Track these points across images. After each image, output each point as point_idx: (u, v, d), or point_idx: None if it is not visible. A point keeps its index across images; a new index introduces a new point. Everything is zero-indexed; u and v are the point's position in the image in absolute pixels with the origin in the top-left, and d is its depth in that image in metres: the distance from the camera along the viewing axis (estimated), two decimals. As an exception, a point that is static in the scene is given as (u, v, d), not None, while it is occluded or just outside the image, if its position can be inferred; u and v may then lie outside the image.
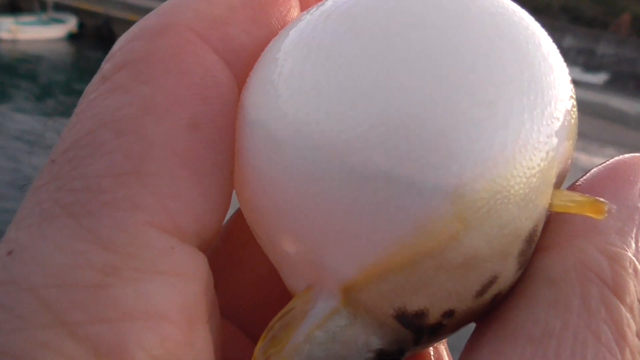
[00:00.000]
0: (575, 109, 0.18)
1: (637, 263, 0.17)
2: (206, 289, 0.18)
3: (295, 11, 0.21)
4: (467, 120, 0.16)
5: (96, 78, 0.19)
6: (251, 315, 0.24)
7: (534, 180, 0.16)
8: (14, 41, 12.06)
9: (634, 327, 0.16)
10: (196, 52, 0.19)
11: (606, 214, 0.17)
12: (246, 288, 0.24)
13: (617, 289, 0.17)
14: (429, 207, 0.16)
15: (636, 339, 0.16)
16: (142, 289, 0.16)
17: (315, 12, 0.18)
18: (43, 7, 14.19)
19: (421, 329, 0.18)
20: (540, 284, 0.17)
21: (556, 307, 0.17)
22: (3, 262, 0.16)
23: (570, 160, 0.19)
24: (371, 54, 0.16)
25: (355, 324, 0.18)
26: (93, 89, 0.19)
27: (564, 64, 0.18)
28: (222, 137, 0.19)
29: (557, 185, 0.18)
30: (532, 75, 0.17)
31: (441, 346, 0.24)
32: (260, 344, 0.18)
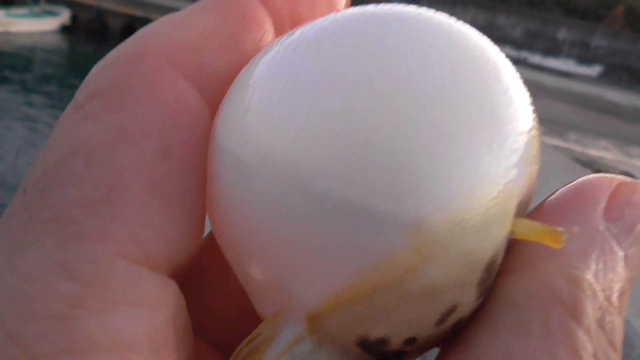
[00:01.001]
0: (537, 139, 0.18)
1: (595, 285, 0.17)
2: (174, 316, 0.18)
3: (269, 36, 0.21)
4: (426, 154, 0.16)
5: (70, 107, 0.19)
6: (227, 335, 0.24)
7: (492, 212, 0.16)
8: (5, 34, 11.99)
9: (590, 349, 0.17)
10: (168, 80, 0.19)
11: (563, 243, 0.17)
12: (222, 309, 0.25)
13: (575, 312, 0.17)
14: (387, 240, 0.16)
15: (592, 357, 0.17)
16: (108, 320, 0.16)
17: (284, 42, 0.19)
18: (35, 0, 14.11)
19: (384, 355, 0.18)
20: (502, 308, 0.17)
21: (517, 330, 0.17)
22: None
23: (533, 189, 0.19)
24: (335, 87, 0.17)
25: (320, 351, 0.18)
26: (66, 118, 0.19)
27: (526, 95, 0.18)
28: (194, 164, 0.19)
29: (520, 213, 0.18)
30: (492, 109, 0.17)
31: None
32: None
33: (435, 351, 0.20)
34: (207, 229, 0.21)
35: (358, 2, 0.19)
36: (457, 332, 0.18)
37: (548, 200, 0.19)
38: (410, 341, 0.18)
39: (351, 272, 0.16)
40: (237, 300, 0.23)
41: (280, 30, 0.21)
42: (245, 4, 0.21)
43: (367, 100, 0.16)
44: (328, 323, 0.17)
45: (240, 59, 0.20)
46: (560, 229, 0.17)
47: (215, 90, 0.20)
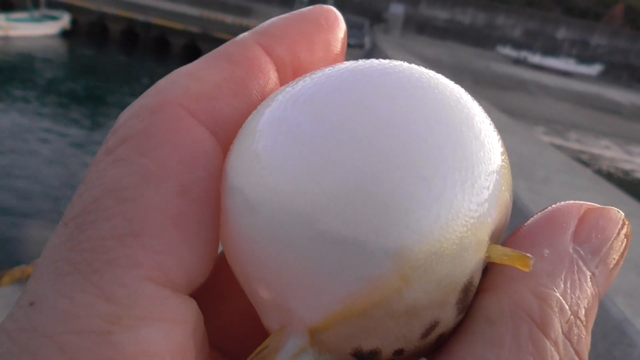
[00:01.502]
0: (508, 173, 0.21)
1: (563, 302, 0.19)
2: (195, 331, 0.21)
3: (273, 82, 0.24)
4: (407, 194, 0.18)
5: (102, 150, 0.22)
6: (237, 344, 0.27)
7: (467, 241, 0.19)
8: (5, 38, 12.01)
9: (556, 357, 0.19)
10: (185, 126, 0.22)
11: (531, 267, 0.19)
12: (233, 320, 0.27)
13: (543, 326, 0.19)
14: (375, 266, 0.18)
15: None
16: (139, 335, 0.19)
17: (286, 95, 0.21)
18: (36, 4, 14.14)
19: None
20: (479, 322, 0.20)
21: (491, 343, 0.19)
22: (26, 312, 0.19)
23: (507, 217, 0.21)
24: (328, 137, 0.19)
25: None
26: (99, 160, 0.22)
27: (496, 135, 0.21)
28: (208, 200, 0.21)
29: (495, 238, 0.21)
30: (464, 154, 0.19)
31: None
32: None
33: None
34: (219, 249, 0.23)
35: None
36: (441, 344, 0.20)
37: (525, 225, 0.22)
38: (399, 352, 0.20)
39: (345, 293, 0.19)
40: (246, 314, 0.26)
41: (283, 74, 0.24)
42: (251, 54, 0.23)
43: (356, 148, 0.19)
44: (326, 337, 0.20)
45: (248, 104, 0.23)
46: (528, 255, 0.19)
47: (226, 133, 0.22)
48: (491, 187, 0.20)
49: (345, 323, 0.19)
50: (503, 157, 0.21)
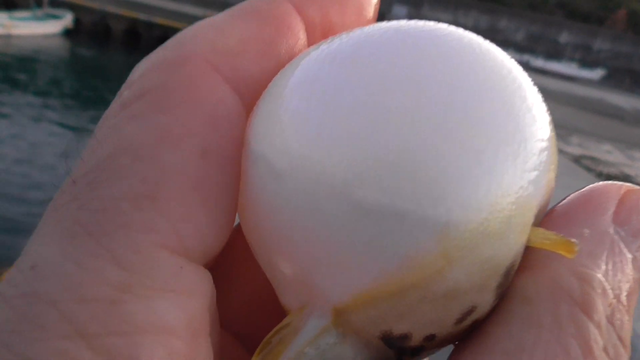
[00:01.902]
0: (556, 155, 0.20)
1: (605, 283, 0.18)
2: (209, 305, 0.19)
3: (302, 42, 0.22)
4: (456, 166, 0.17)
5: (116, 103, 0.20)
6: (248, 326, 0.25)
7: (514, 221, 0.18)
8: (7, 37, 12.01)
9: (600, 342, 0.18)
10: (209, 83, 0.20)
11: (575, 254, 0.18)
12: (244, 300, 0.26)
13: (585, 307, 0.18)
14: (416, 243, 0.17)
15: (602, 353, 0.17)
16: (153, 306, 0.17)
17: (322, 52, 0.20)
18: (39, 3, 14.14)
19: (404, 350, 0.19)
20: (516, 302, 0.18)
21: (529, 323, 0.18)
22: (26, 276, 0.18)
23: (549, 199, 0.20)
24: (371, 100, 0.18)
25: (344, 343, 0.19)
26: (113, 114, 0.20)
27: (545, 110, 0.20)
28: (231, 163, 0.20)
29: (536, 221, 0.19)
30: (517, 126, 0.18)
31: None
32: (255, 358, 0.19)
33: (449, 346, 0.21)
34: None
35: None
36: (473, 329, 0.19)
37: (559, 205, 0.20)
38: (430, 338, 0.19)
39: (379, 272, 0.17)
40: (259, 295, 0.25)
41: (312, 36, 0.22)
42: (281, 12, 0.22)
43: (402, 114, 0.17)
44: (354, 318, 0.18)
45: (275, 64, 0.21)
46: (573, 240, 0.18)
47: (251, 94, 0.21)
48: (542, 164, 0.19)
49: (376, 304, 0.18)
50: (552, 131, 0.20)
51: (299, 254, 0.18)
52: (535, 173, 0.18)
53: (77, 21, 14.53)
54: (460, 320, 0.19)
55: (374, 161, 0.17)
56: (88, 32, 14.89)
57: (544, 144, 0.19)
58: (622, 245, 0.19)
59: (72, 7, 14.73)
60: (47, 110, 8.00)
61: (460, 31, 0.20)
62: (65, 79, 10.61)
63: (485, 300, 0.18)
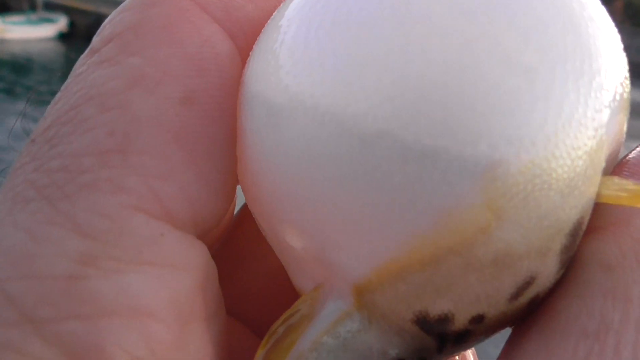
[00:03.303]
0: (628, 81, 0.16)
1: None
2: (203, 282, 0.16)
3: None
4: (500, 90, 0.14)
5: (85, 52, 0.18)
6: (262, 314, 0.21)
7: (580, 163, 0.14)
8: (1, 41, 11.89)
9: None
10: (193, 21, 0.17)
11: None
12: (256, 286, 0.22)
13: None
14: (454, 194, 0.14)
15: None
16: (123, 282, 0.14)
17: None
18: (32, 7, 14.01)
19: (445, 335, 0.16)
20: (593, 270, 0.15)
21: (614, 296, 0.14)
22: None
23: (622, 142, 0.17)
24: (385, 12, 0.14)
25: (370, 330, 0.16)
26: (80, 64, 0.18)
27: (615, 29, 0.16)
28: (222, 114, 0.17)
29: (607, 170, 0.16)
30: (578, 39, 0.15)
31: (468, 351, 0.22)
32: (261, 351, 0.16)
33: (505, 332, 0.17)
34: (239, 203, 0.19)
35: None
36: (532, 310, 0.16)
37: (630, 155, 0.17)
38: (478, 319, 0.15)
39: (409, 234, 0.14)
40: (269, 278, 0.22)
41: None
42: None
43: (424, 26, 0.14)
44: (379, 297, 0.15)
45: (274, 4, 0.18)
46: None
47: (246, 36, 0.18)
48: (612, 90, 0.15)
49: (406, 277, 0.15)
50: (624, 57, 0.16)
51: (305, 219, 0.15)
52: (605, 100, 0.15)
53: (71, 24, 14.39)
54: (515, 296, 0.15)
55: (391, 90, 0.14)
56: (83, 35, 14.74)
57: (615, 63, 0.15)
58: None
59: (66, 10, 14.59)
60: (41, 116, 7.88)
61: None
62: (59, 83, 10.50)
63: (546, 269, 0.15)
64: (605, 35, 0.15)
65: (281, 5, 0.17)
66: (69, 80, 0.17)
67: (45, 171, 0.15)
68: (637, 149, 0.17)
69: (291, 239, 0.16)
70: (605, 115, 0.15)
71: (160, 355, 0.14)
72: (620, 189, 0.15)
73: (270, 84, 0.15)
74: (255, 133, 0.16)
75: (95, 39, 0.18)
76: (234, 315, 0.21)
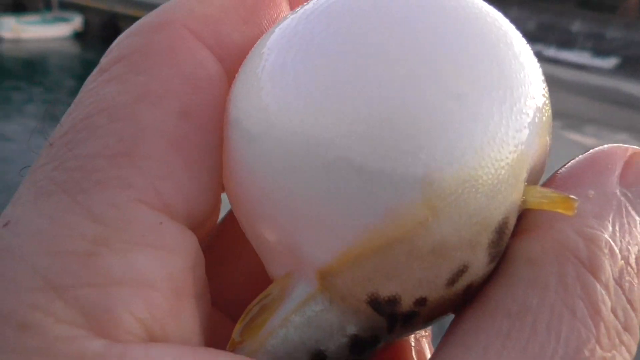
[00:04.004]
0: (548, 108, 0.19)
1: (613, 244, 0.18)
2: (193, 265, 0.19)
3: (284, 13, 0.22)
4: (437, 111, 0.16)
5: (95, 71, 0.20)
6: (243, 307, 0.24)
7: (503, 172, 0.17)
8: (16, 41, 12.02)
9: (609, 303, 0.17)
10: (189, 47, 0.20)
11: (576, 210, 0.17)
12: (238, 281, 0.26)
13: (592, 268, 0.17)
14: (398, 194, 0.16)
15: (611, 315, 0.17)
16: (130, 259, 0.17)
17: (299, 11, 0.19)
18: (48, 6, 14.14)
19: (394, 316, 0.18)
20: (519, 264, 0.18)
21: (534, 284, 0.17)
22: None
23: (545, 159, 0.19)
24: (346, 49, 0.17)
25: (331, 310, 0.18)
26: (91, 80, 0.20)
27: (537, 65, 0.19)
28: (213, 126, 0.20)
29: (532, 181, 0.18)
30: (502, 72, 0.17)
31: (424, 339, 0.25)
32: (238, 326, 0.19)
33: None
34: (224, 210, 0.22)
35: None
36: (469, 298, 0.18)
37: (560, 170, 0.20)
38: (421, 302, 0.18)
39: (362, 227, 0.17)
40: (252, 275, 0.24)
41: (295, 7, 0.22)
42: None
43: (377, 61, 0.17)
44: (339, 280, 0.18)
45: (257, 32, 0.21)
46: (572, 196, 0.17)
47: (233, 61, 0.21)
48: (531, 114, 0.18)
49: (360, 263, 0.17)
50: (545, 88, 0.19)
51: (278, 216, 0.18)
52: (525, 121, 0.17)
53: (86, 23, 14.51)
54: (451, 282, 0.18)
55: (349, 111, 0.16)
56: (97, 34, 14.87)
57: (534, 93, 0.18)
58: (629, 207, 0.19)
59: (81, 9, 14.71)
60: (56, 113, 7.96)
61: None
62: (74, 83, 10.58)
63: (477, 260, 0.18)
64: (526, 70, 0.18)
65: (263, 36, 0.20)
66: (81, 94, 0.20)
67: (64, 170, 0.18)
68: (567, 164, 0.20)
69: (266, 233, 0.19)
70: (524, 134, 0.17)
71: (158, 319, 0.17)
72: (543, 197, 0.18)
73: (246, 107, 0.18)
74: (236, 145, 0.19)
75: (104, 60, 0.20)
76: (217, 306, 0.23)
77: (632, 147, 0.20)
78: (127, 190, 0.18)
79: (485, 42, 0.17)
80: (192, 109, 0.19)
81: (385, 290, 0.18)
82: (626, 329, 0.17)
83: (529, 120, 0.17)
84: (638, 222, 0.19)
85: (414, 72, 0.16)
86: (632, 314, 0.17)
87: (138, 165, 0.18)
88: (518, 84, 0.17)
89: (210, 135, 0.20)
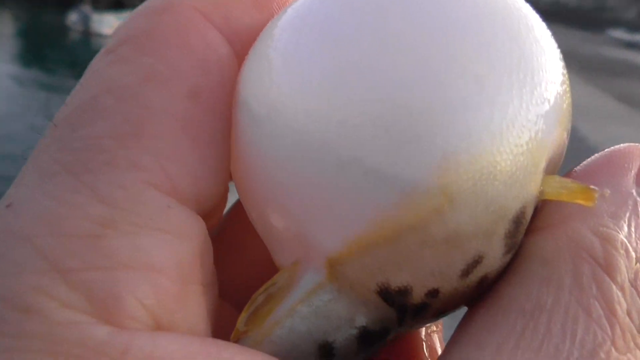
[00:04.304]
0: (569, 96, 0.18)
1: (628, 245, 0.17)
2: (202, 252, 0.18)
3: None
4: (454, 93, 0.16)
5: (101, 52, 0.20)
6: (249, 298, 0.24)
7: (522, 159, 0.16)
8: (116, 37, 12.63)
9: (624, 305, 0.17)
10: (198, 28, 0.20)
11: (596, 201, 0.17)
12: (244, 273, 0.25)
13: (608, 268, 0.17)
14: (413, 179, 0.16)
15: (627, 317, 0.17)
16: (137, 242, 0.17)
17: None
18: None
19: (405, 307, 0.18)
20: (533, 262, 0.18)
21: (549, 283, 0.17)
22: (1, 214, 0.17)
23: (563, 150, 0.19)
24: (362, 30, 0.17)
25: (340, 300, 0.18)
26: (97, 61, 0.20)
27: (558, 51, 0.18)
28: (222, 108, 0.19)
29: (549, 172, 0.18)
30: (523, 55, 0.17)
31: (435, 334, 0.25)
32: (243, 315, 0.19)
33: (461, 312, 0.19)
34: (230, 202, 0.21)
35: None
36: (483, 291, 0.18)
37: (577, 168, 0.20)
38: (433, 293, 0.17)
39: (373, 213, 0.16)
40: (258, 265, 0.24)
41: None
42: None
43: (392, 41, 0.16)
44: (348, 269, 0.17)
45: (268, 16, 0.21)
46: (592, 187, 0.17)
47: (243, 44, 0.20)
48: (552, 100, 0.17)
49: (371, 251, 0.17)
50: (565, 75, 0.18)
51: (287, 203, 0.17)
52: (545, 107, 0.17)
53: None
54: (465, 273, 0.17)
55: (363, 92, 0.16)
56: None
57: (555, 78, 0.17)
58: None
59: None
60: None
61: None
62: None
63: (493, 251, 0.17)
64: (547, 54, 0.17)
65: (274, 18, 0.20)
66: (86, 75, 0.19)
67: (69, 150, 0.17)
68: (583, 163, 0.19)
69: (274, 220, 0.18)
70: (544, 121, 0.17)
71: (165, 305, 0.17)
72: (561, 187, 0.17)
73: (261, 87, 0.18)
74: (246, 128, 0.18)
75: (111, 41, 0.20)
76: (223, 298, 0.23)
77: None
78: (135, 171, 0.17)
79: (505, 23, 0.17)
80: (201, 91, 0.19)
81: (396, 281, 0.17)
82: None
83: (549, 106, 0.17)
84: None
85: (430, 52, 0.16)
86: None
87: (146, 146, 0.18)
88: (539, 68, 0.17)
89: (220, 118, 0.19)
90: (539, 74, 0.17)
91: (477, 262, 0.17)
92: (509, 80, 0.16)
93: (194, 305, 0.18)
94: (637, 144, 0.20)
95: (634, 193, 0.18)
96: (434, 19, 0.17)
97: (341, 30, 0.17)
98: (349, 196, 0.16)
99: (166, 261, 0.17)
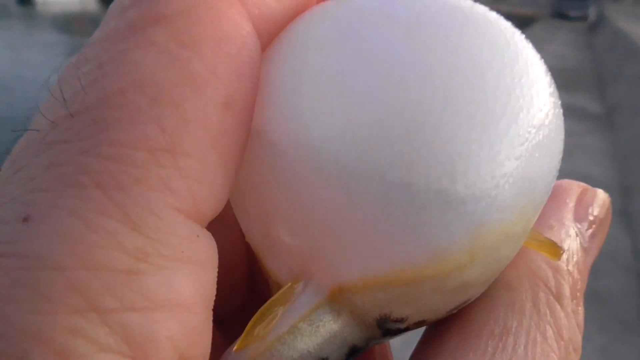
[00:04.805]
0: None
1: (571, 274, 0.20)
2: (215, 277, 0.17)
3: None
4: (499, 164, 0.16)
5: (122, 22, 0.17)
6: (225, 312, 0.24)
7: (530, 223, 0.18)
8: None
9: (567, 325, 0.19)
10: (235, 18, 0.17)
11: (560, 257, 0.19)
12: (223, 286, 0.22)
13: (559, 296, 0.19)
14: (449, 242, 0.16)
15: (568, 341, 0.19)
16: (170, 278, 0.15)
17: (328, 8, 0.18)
18: None
19: (391, 331, 0.19)
20: (499, 288, 0.19)
21: (513, 308, 0.19)
22: (18, 230, 0.14)
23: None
24: (387, 76, 0.16)
25: (337, 321, 0.18)
26: (119, 35, 0.16)
27: (559, 102, 0.18)
28: (250, 120, 0.17)
29: None
30: (555, 149, 0.18)
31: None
32: (249, 328, 0.18)
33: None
34: None
35: None
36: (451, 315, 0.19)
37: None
38: (421, 323, 0.19)
39: (402, 259, 0.16)
40: (236, 280, 0.25)
41: None
42: None
43: (409, 84, 0.16)
44: (357, 298, 0.17)
45: (296, 5, 0.19)
46: (561, 245, 0.20)
47: (268, 36, 0.18)
48: (557, 164, 0.18)
49: (387, 289, 0.17)
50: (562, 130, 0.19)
51: (307, 225, 0.17)
52: (553, 174, 0.18)
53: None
54: (453, 310, 0.18)
55: (423, 138, 0.16)
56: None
57: (560, 145, 0.18)
58: (580, 240, 0.21)
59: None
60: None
61: (469, 2, 0.18)
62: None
63: (479, 293, 0.19)
64: (559, 119, 0.18)
65: (287, 28, 0.18)
66: (106, 51, 0.16)
67: (96, 156, 0.15)
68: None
69: (284, 235, 0.18)
70: (551, 186, 0.18)
71: (192, 343, 0.16)
72: (533, 238, 0.19)
73: (283, 110, 0.17)
74: (262, 153, 0.17)
75: (133, 12, 0.17)
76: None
77: (582, 184, 0.22)
78: (167, 196, 0.15)
79: (521, 78, 0.17)
80: (235, 100, 0.16)
81: (398, 313, 0.18)
82: (576, 350, 0.19)
83: (555, 172, 0.18)
84: (585, 251, 0.21)
85: (459, 120, 0.16)
86: (579, 338, 0.20)
87: (179, 165, 0.15)
88: (556, 130, 0.18)
89: (247, 130, 0.17)
90: (556, 142, 0.18)
91: (466, 302, 0.18)
92: (540, 148, 0.17)
93: (209, 334, 0.17)
94: (573, 181, 0.23)
95: (572, 227, 0.21)
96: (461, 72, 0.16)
97: (362, 54, 0.17)
98: (380, 235, 0.16)
99: (194, 296, 0.16)
